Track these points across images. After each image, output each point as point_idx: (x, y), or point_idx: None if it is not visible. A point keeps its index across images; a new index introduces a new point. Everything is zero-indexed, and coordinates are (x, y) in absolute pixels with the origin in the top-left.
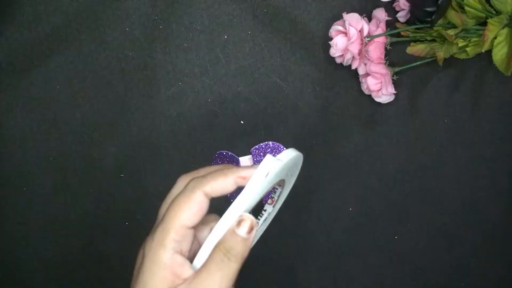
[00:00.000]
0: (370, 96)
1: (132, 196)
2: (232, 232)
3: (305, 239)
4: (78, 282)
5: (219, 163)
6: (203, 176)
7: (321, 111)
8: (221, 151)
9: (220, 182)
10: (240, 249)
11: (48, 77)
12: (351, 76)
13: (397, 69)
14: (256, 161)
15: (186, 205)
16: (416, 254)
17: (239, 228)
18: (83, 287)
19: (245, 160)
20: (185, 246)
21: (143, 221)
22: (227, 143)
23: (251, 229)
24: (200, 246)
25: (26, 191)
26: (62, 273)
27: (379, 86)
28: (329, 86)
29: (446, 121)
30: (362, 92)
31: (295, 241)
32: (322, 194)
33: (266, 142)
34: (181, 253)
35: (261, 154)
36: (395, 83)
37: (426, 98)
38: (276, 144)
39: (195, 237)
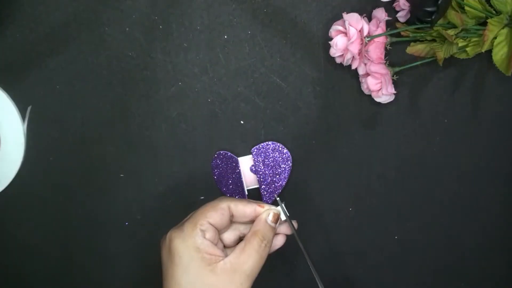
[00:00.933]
0: (370, 96)
1: (132, 196)
2: (265, 221)
3: (305, 239)
4: (78, 282)
5: (219, 164)
6: (232, 197)
7: (321, 111)
8: (221, 151)
9: (243, 204)
10: (271, 236)
11: (48, 77)
12: (351, 76)
13: (397, 69)
14: (257, 161)
15: (212, 208)
16: (416, 254)
17: (269, 218)
18: (83, 287)
19: (245, 160)
20: (212, 236)
21: (143, 221)
22: (227, 143)
23: (276, 219)
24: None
25: (26, 191)
26: (62, 273)
27: (379, 86)
28: (329, 86)
29: (446, 121)
30: (362, 92)
31: (295, 241)
32: (322, 194)
33: (266, 142)
34: (207, 240)
35: (261, 154)
36: (395, 83)
37: (426, 98)
38: (276, 144)
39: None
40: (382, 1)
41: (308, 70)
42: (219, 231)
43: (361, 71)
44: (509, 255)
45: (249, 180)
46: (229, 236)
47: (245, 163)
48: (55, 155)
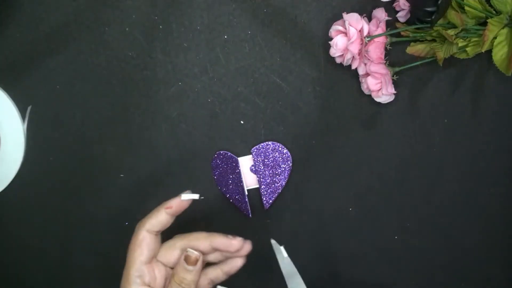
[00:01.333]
0: (370, 96)
1: (132, 196)
2: (181, 266)
3: (305, 239)
4: (78, 282)
5: (219, 164)
6: (144, 218)
7: (321, 111)
8: (221, 151)
9: (155, 218)
10: (191, 277)
11: (48, 77)
12: (351, 76)
13: (397, 69)
14: (257, 161)
15: (136, 246)
16: (416, 254)
17: (186, 262)
18: (83, 287)
19: (245, 160)
20: (154, 279)
21: None
22: (227, 143)
23: (193, 262)
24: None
25: (26, 191)
26: (62, 273)
27: (379, 86)
28: (329, 86)
29: (446, 121)
30: (362, 92)
31: (295, 241)
32: (322, 194)
33: (266, 142)
34: (147, 285)
35: (261, 154)
36: (395, 83)
37: (426, 98)
38: (276, 144)
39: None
40: (382, 1)
41: (308, 70)
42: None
43: (361, 71)
44: (509, 255)
45: (249, 180)
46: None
47: (245, 163)
48: (55, 155)
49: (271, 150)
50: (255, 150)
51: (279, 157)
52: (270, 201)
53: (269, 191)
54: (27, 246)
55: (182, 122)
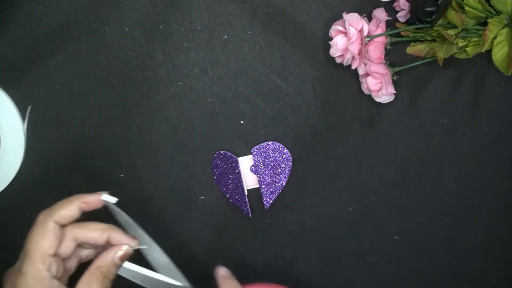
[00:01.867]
0: (370, 96)
1: (132, 196)
2: (111, 259)
3: (305, 239)
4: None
5: (219, 164)
6: (51, 207)
7: (321, 111)
8: (221, 151)
9: (66, 210)
10: (115, 271)
11: (48, 77)
12: (351, 76)
13: (397, 69)
14: (257, 161)
15: (42, 237)
16: (416, 254)
17: (116, 256)
18: None
19: (245, 160)
20: (57, 269)
21: (143, 221)
22: (227, 143)
23: (125, 258)
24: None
25: (26, 191)
26: None
27: (379, 86)
28: (329, 86)
29: (446, 121)
30: (362, 92)
31: (295, 241)
32: (322, 194)
33: (267, 142)
34: (55, 277)
35: (262, 154)
36: (395, 83)
37: (426, 98)
38: (277, 144)
39: (72, 256)
40: (382, 1)
41: (308, 70)
42: (64, 258)
43: (361, 71)
44: (509, 255)
45: (249, 180)
46: (67, 264)
47: (245, 163)
48: (55, 155)
49: (272, 150)
50: (255, 150)
51: (279, 157)
52: (271, 201)
53: (269, 191)
54: None
55: (182, 122)
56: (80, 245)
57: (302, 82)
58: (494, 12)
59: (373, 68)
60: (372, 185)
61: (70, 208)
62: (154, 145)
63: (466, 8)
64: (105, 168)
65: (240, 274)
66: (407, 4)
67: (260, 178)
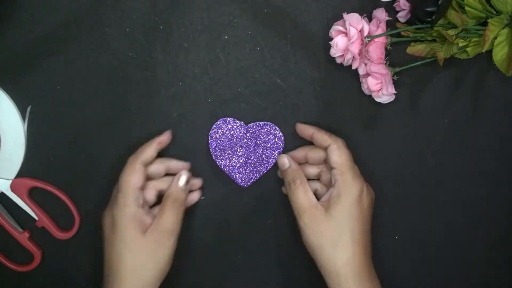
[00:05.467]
0: (370, 96)
1: None
2: (175, 185)
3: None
4: (78, 282)
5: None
6: (136, 152)
7: (321, 111)
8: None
9: (147, 152)
10: (184, 196)
11: (48, 77)
12: (351, 76)
13: (397, 69)
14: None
15: (132, 175)
16: (416, 254)
17: (180, 182)
18: (82, 286)
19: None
20: (147, 201)
21: None
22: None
23: (187, 182)
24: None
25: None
26: (63, 274)
27: (380, 86)
28: (329, 86)
29: (446, 121)
30: (362, 92)
31: (296, 242)
32: None
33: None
34: (140, 207)
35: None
36: (396, 83)
37: (426, 98)
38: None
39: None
40: (383, 1)
41: (308, 70)
42: (144, 190)
43: (361, 71)
44: (509, 255)
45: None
46: (149, 195)
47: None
48: (55, 155)
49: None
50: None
51: (272, 139)
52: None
53: (253, 169)
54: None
55: (183, 122)
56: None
57: (302, 82)
58: (494, 12)
59: (374, 68)
60: (372, 185)
61: (149, 150)
62: None
63: (467, 8)
64: (105, 168)
65: (241, 274)
66: (408, 4)
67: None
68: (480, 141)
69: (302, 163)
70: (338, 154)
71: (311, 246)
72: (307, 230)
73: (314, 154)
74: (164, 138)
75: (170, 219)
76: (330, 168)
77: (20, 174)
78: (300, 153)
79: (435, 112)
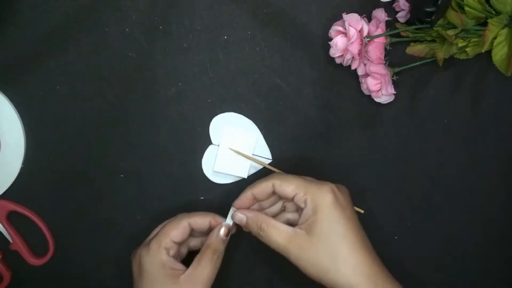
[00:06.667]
0: (370, 96)
1: (132, 196)
2: (216, 236)
3: None
4: (78, 282)
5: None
6: (190, 213)
7: (321, 111)
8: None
9: (200, 219)
10: (223, 248)
11: (48, 77)
12: (351, 76)
13: (397, 69)
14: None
15: (175, 227)
16: (416, 254)
17: (220, 233)
18: (81, 286)
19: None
20: (174, 253)
21: (142, 221)
22: None
23: (227, 233)
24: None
25: (26, 192)
26: (62, 274)
27: (379, 86)
28: (329, 86)
29: (446, 121)
30: (362, 92)
31: None
32: None
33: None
34: (172, 257)
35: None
36: (395, 84)
37: (426, 98)
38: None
39: (184, 243)
40: (382, 2)
41: (308, 70)
42: (180, 245)
43: (360, 72)
44: (509, 255)
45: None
46: (182, 249)
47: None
48: (55, 155)
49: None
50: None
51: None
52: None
53: None
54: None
55: (182, 122)
56: (191, 234)
57: (302, 82)
58: (494, 12)
59: (373, 68)
60: (372, 185)
61: (204, 219)
62: (154, 145)
63: (466, 8)
64: (105, 168)
65: (241, 275)
66: (407, 4)
67: None
68: (480, 141)
69: (260, 201)
70: (286, 185)
71: (313, 275)
72: (300, 262)
73: (258, 189)
74: (219, 220)
75: (207, 270)
76: (291, 199)
77: (20, 174)
78: (247, 196)
79: (434, 112)
